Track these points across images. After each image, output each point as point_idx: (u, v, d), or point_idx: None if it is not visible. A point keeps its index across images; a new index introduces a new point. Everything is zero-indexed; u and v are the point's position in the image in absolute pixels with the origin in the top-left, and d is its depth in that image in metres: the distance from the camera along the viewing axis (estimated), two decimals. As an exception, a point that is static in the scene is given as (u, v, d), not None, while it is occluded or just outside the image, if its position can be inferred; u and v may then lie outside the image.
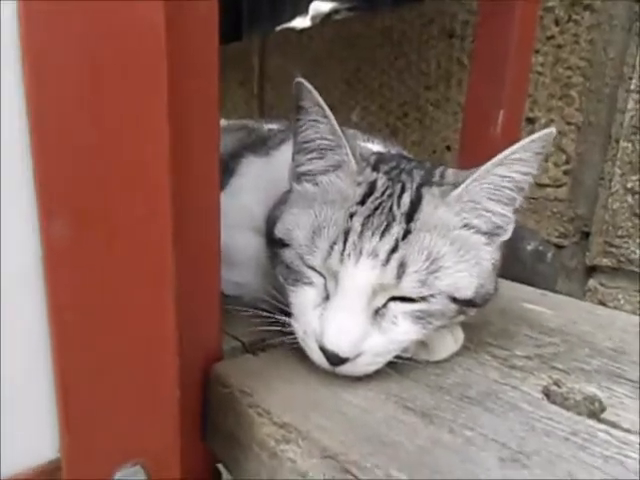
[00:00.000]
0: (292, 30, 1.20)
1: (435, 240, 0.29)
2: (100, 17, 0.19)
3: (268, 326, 0.33)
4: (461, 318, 0.33)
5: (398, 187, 0.31)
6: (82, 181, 0.20)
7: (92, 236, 0.20)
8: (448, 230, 0.30)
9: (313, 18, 1.24)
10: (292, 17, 1.33)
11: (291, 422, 0.25)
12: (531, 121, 0.70)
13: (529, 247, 0.74)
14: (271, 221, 0.34)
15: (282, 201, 0.36)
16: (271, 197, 0.40)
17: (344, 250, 0.28)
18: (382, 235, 0.28)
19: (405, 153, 0.47)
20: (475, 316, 0.35)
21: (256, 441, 0.27)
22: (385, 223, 0.29)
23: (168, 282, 0.23)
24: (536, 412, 0.28)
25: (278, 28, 1.35)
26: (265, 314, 0.33)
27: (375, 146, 0.43)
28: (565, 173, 0.68)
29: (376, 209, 0.29)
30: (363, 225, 0.28)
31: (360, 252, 0.28)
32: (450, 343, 0.34)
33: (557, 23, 0.67)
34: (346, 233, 0.28)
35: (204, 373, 0.30)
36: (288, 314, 0.32)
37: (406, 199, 0.30)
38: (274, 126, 0.59)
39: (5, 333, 0.19)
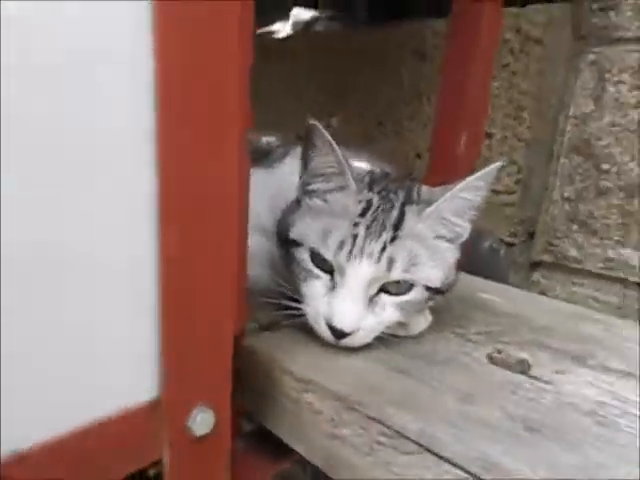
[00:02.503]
0: (274, 38, 1.27)
1: (414, 245, 0.39)
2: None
3: (278, 310, 0.42)
4: (430, 304, 0.43)
5: (388, 205, 0.40)
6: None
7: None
8: (423, 238, 0.40)
9: (294, 25, 1.32)
10: (273, 21, 1.40)
11: (308, 377, 0.35)
12: (489, 136, 0.81)
13: (486, 245, 0.86)
14: (284, 226, 0.43)
15: (291, 210, 0.45)
16: (277, 205, 0.48)
17: (352, 250, 0.38)
18: (377, 240, 0.38)
19: (386, 168, 0.57)
20: (440, 303, 0.45)
21: (282, 393, 0.36)
22: (379, 231, 0.38)
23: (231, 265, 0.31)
24: (482, 371, 0.39)
25: (259, 31, 1.42)
26: (275, 301, 0.42)
27: (363, 164, 0.52)
28: (516, 182, 0.79)
29: (373, 220, 0.39)
30: (366, 232, 0.38)
31: (362, 253, 0.38)
32: (422, 322, 0.44)
33: (512, 53, 0.78)
34: (354, 237, 0.38)
35: (235, 343, 0.39)
36: (294, 300, 0.41)
37: (394, 214, 0.40)
38: (271, 139, 0.67)
39: (118, 280, 0.27)
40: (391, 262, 0.38)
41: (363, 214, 0.40)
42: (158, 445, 0.29)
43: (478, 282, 0.63)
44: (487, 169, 0.40)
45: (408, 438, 0.29)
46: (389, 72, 0.94)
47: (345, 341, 0.38)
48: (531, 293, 0.70)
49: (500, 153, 0.81)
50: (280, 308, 0.42)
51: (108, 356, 0.27)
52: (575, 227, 0.70)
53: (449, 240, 0.42)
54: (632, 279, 0.66)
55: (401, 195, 0.42)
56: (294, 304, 0.41)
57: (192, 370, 0.30)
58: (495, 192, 0.82)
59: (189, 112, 0.26)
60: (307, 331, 0.41)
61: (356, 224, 0.39)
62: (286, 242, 0.42)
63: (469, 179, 0.40)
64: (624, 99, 0.64)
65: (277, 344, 0.40)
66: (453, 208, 0.41)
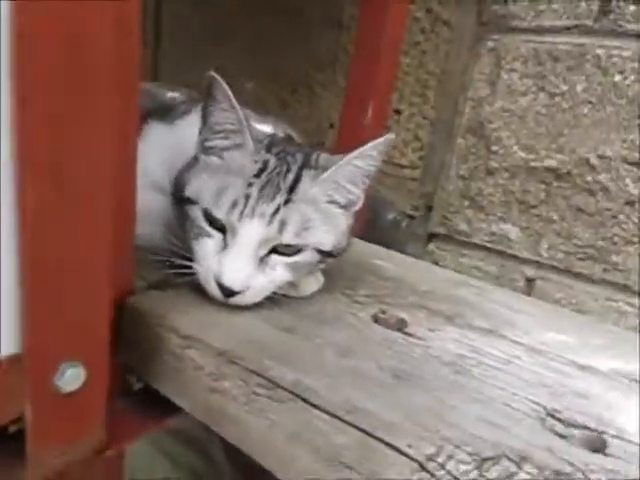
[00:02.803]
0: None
1: (307, 209, 0.40)
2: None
3: (169, 269, 0.41)
4: (322, 266, 0.45)
5: (285, 167, 0.41)
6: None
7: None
8: (317, 203, 0.41)
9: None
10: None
11: (193, 334, 0.35)
12: (398, 112, 0.84)
13: (389, 216, 0.91)
14: (180, 183, 0.42)
15: (188, 167, 0.44)
16: (174, 162, 0.47)
17: (243, 210, 0.38)
18: (270, 202, 0.38)
19: (291, 133, 0.57)
20: (333, 266, 0.47)
21: (166, 351, 0.36)
22: (273, 193, 0.39)
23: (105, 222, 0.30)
24: (365, 329, 0.41)
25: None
26: (167, 260, 0.42)
27: (267, 127, 0.52)
28: (420, 158, 0.84)
29: (268, 182, 0.39)
30: (259, 193, 0.38)
31: (253, 213, 0.38)
32: (313, 283, 0.46)
33: (423, 32, 0.81)
34: (246, 197, 0.38)
35: (120, 303, 0.38)
36: (187, 259, 0.41)
37: (290, 177, 0.41)
38: (175, 95, 0.64)
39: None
40: (283, 225, 0.39)
41: (258, 175, 0.40)
42: (18, 401, 0.27)
43: (374, 249, 0.67)
44: (379, 140, 0.42)
45: (283, 388, 0.31)
46: (306, 38, 0.93)
47: (235, 299, 0.39)
48: (421, 261, 0.75)
49: (407, 129, 0.84)
50: (172, 267, 0.41)
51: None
52: (466, 203, 0.76)
53: (343, 206, 0.44)
54: (510, 252, 0.74)
55: (299, 159, 0.43)
56: (186, 262, 0.41)
57: (59, 326, 0.28)
58: (400, 166, 0.86)
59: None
60: (198, 291, 0.41)
61: (250, 184, 0.39)
62: (181, 200, 0.42)
63: (362, 148, 0.42)
64: (515, 86, 0.70)
65: (165, 303, 0.39)
66: (347, 175, 0.43)
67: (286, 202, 0.39)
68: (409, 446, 0.28)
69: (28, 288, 0.26)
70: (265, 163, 0.41)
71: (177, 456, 1.24)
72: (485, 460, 0.27)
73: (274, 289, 0.41)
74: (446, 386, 0.34)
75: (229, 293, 0.38)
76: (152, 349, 0.37)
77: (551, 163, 0.67)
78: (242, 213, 0.38)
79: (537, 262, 0.72)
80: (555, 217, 0.69)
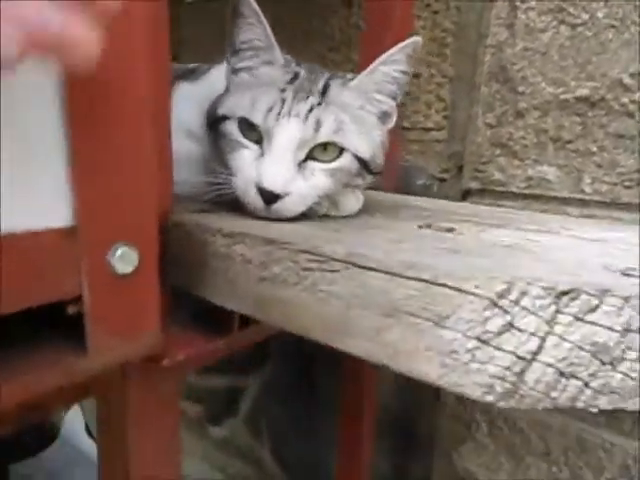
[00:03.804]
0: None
1: (340, 112, 0.40)
2: None
3: (207, 189, 0.41)
4: (359, 181, 0.44)
5: (314, 77, 0.41)
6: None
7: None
8: (349, 108, 0.41)
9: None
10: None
11: (238, 231, 0.35)
12: (416, 76, 0.84)
13: (419, 182, 0.89)
14: (212, 110, 0.43)
15: (220, 96, 0.44)
16: (203, 111, 0.48)
17: (280, 112, 0.38)
18: (304, 102, 0.39)
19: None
20: (373, 201, 0.46)
21: (211, 254, 0.35)
22: (306, 95, 0.39)
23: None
24: (414, 232, 0.40)
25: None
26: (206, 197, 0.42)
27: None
28: (444, 118, 0.83)
29: (300, 87, 0.40)
30: (293, 95, 0.39)
31: (289, 114, 0.38)
32: (354, 201, 0.45)
33: (433, -7, 0.81)
34: (282, 101, 0.39)
35: (162, 221, 0.38)
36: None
37: (320, 83, 0.41)
38: (197, 65, 0.66)
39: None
40: (318, 123, 0.39)
41: (291, 82, 0.40)
42: (76, 278, 0.27)
43: (408, 197, 0.66)
44: (404, 43, 0.42)
45: (335, 259, 0.30)
46: (318, 20, 0.95)
47: (276, 207, 0.38)
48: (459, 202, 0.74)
49: (428, 91, 0.84)
50: (210, 186, 0.41)
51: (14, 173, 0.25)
52: (498, 151, 0.75)
53: (375, 116, 0.43)
54: (550, 194, 0.71)
55: (327, 73, 0.43)
56: (224, 179, 0.40)
57: (111, 204, 0.29)
58: (426, 129, 0.86)
59: None
60: (239, 210, 0.41)
61: (283, 90, 0.39)
62: (216, 122, 0.42)
63: (388, 53, 0.42)
64: (534, 24, 0.69)
65: (207, 218, 0.39)
66: (376, 83, 0.42)
67: (318, 104, 0.39)
68: (476, 287, 0.26)
69: (78, 160, 0.27)
70: (296, 74, 0.41)
71: (230, 469, 1.23)
72: (563, 294, 0.25)
73: (316, 199, 0.40)
74: (508, 256, 0.32)
75: (270, 199, 0.38)
76: (198, 256, 0.36)
77: (583, 92, 0.66)
78: (279, 115, 0.38)
79: (581, 200, 0.69)
80: (594, 149, 0.66)
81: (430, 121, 0.84)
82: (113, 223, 0.29)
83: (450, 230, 0.41)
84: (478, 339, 0.25)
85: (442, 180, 0.86)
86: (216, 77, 0.52)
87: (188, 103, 0.52)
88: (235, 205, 0.41)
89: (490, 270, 0.27)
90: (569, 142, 0.68)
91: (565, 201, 0.70)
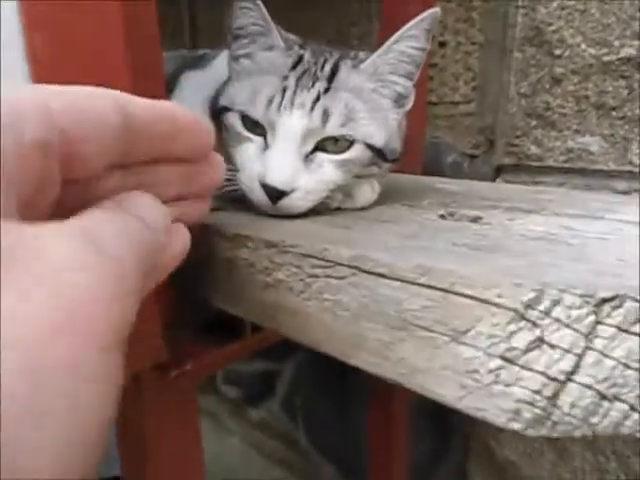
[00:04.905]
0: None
1: (350, 98, 0.37)
2: None
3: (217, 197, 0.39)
4: (374, 170, 0.40)
5: (321, 59, 0.38)
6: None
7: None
8: (361, 92, 0.37)
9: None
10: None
11: (241, 233, 0.32)
12: (442, 45, 0.78)
13: (448, 160, 0.84)
14: (215, 100, 0.40)
15: (223, 84, 0.42)
16: (211, 98, 0.45)
17: (281, 103, 0.35)
18: (309, 90, 0.35)
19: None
20: (394, 186, 0.43)
21: (216, 257, 0.33)
22: (311, 82, 0.36)
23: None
24: (433, 223, 0.36)
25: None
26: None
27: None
28: (473, 89, 0.77)
29: (304, 73, 0.36)
30: (296, 83, 0.35)
31: (292, 104, 0.35)
32: (369, 192, 0.42)
33: (457, -46, 0.75)
34: (283, 90, 0.35)
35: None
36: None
37: (327, 67, 0.37)
38: (207, 50, 0.63)
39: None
40: (326, 114, 0.35)
41: (293, 67, 0.37)
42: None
43: (435, 178, 0.61)
44: (420, 16, 0.37)
45: (342, 264, 0.27)
46: (337, -7, 0.90)
47: (282, 203, 0.35)
48: (489, 183, 0.69)
49: (455, 61, 0.78)
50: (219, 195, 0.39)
51: None
52: (533, 123, 0.69)
53: (390, 99, 0.39)
54: (594, 167, 0.65)
55: (335, 53, 0.39)
56: (230, 175, 0.38)
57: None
58: (453, 103, 0.80)
59: None
60: (245, 208, 0.38)
61: (285, 77, 0.36)
62: (218, 113, 0.39)
63: (403, 28, 0.38)
64: (571, -21, 0.62)
65: (211, 217, 0.37)
66: (390, 63, 0.38)
67: (326, 90, 0.36)
68: (499, 296, 0.22)
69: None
70: (300, 57, 0.38)
71: (267, 448, 1.26)
72: (604, 301, 0.21)
73: (325, 192, 0.37)
74: (538, 253, 0.28)
75: (275, 195, 0.35)
76: (202, 260, 0.35)
77: (628, 52, 0.59)
78: (280, 106, 0.35)
79: (629, 172, 0.62)
80: (643, 114, 0.60)
81: (458, 94, 0.79)
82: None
83: (475, 220, 0.37)
84: (502, 357, 0.21)
85: (473, 157, 0.81)
86: (223, 63, 0.49)
87: (196, 91, 0.50)
88: (242, 201, 0.39)
89: (516, 274, 0.24)
90: (614, 109, 0.61)
91: (610, 174, 0.64)
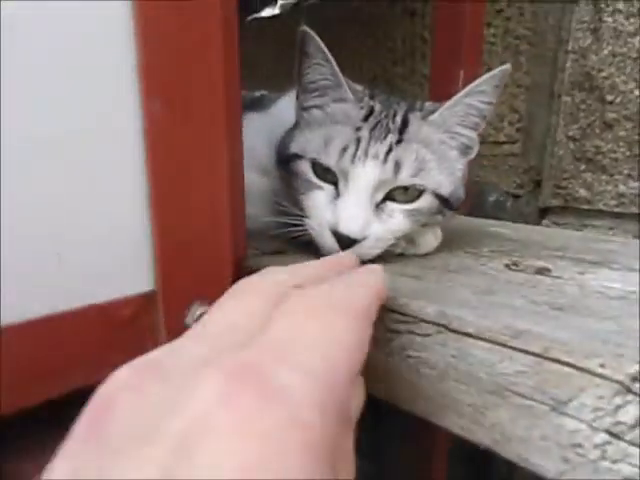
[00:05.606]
0: (263, 18, 1.26)
1: (421, 149, 0.37)
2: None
3: (280, 229, 0.40)
4: (439, 219, 0.41)
5: (391, 111, 0.39)
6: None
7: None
8: (430, 144, 0.38)
9: (282, 6, 1.31)
10: (261, 8, 1.40)
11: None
12: (487, 86, 0.79)
13: (491, 199, 0.84)
14: (283, 144, 0.41)
15: (290, 130, 0.43)
16: (273, 142, 0.47)
17: (355, 153, 0.36)
18: (382, 142, 0.36)
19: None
20: (450, 230, 0.43)
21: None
22: (384, 133, 0.36)
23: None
24: (501, 274, 0.36)
25: (249, 18, 1.42)
26: (275, 231, 0.40)
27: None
28: (518, 130, 0.77)
29: (377, 124, 0.37)
30: (369, 134, 0.36)
31: (367, 155, 0.36)
32: (432, 240, 0.42)
33: (504, -1, 0.76)
34: (357, 141, 0.36)
35: (235, 267, 0.37)
36: (298, 217, 0.39)
37: (398, 119, 0.38)
38: (263, 92, 0.66)
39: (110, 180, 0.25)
40: (398, 165, 0.36)
41: (365, 119, 0.38)
42: (155, 346, 0.26)
43: (485, 221, 0.61)
44: (492, 72, 0.38)
45: (425, 320, 0.27)
46: (381, 34, 0.93)
47: (352, 250, 0.36)
48: (542, 227, 0.68)
49: (500, 102, 0.79)
50: (283, 226, 0.40)
51: (97, 242, 0.25)
52: (583, 166, 0.68)
53: (457, 150, 0.40)
54: (646, 213, 0.64)
55: (404, 105, 0.40)
56: (297, 220, 0.39)
57: (189, 265, 0.28)
58: (497, 143, 0.80)
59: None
60: (313, 253, 0.39)
61: (358, 128, 0.37)
62: (287, 160, 0.40)
63: (473, 84, 0.38)
64: (622, 28, 0.62)
65: (282, 260, 0.38)
66: (458, 116, 0.39)
67: (398, 142, 0.37)
68: (602, 366, 0.22)
69: (158, 224, 0.26)
70: (371, 108, 0.39)
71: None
72: None
73: (392, 240, 0.37)
74: (624, 316, 0.28)
75: (347, 243, 0.35)
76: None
77: (684, 100, 0.58)
78: (354, 156, 0.36)
79: (683, 219, 0.61)
80: (700, 162, 0.59)
81: (502, 134, 0.79)
82: (189, 281, 0.28)
83: (542, 271, 0.37)
84: (608, 432, 0.21)
85: (516, 196, 0.80)
86: (285, 107, 0.50)
87: (257, 135, 0.51)
88: (307, 245, 0.39)
89: (615, 341, 0.23)
90: (668, 155, 0.61)
91: (664, 220, 0.63)
